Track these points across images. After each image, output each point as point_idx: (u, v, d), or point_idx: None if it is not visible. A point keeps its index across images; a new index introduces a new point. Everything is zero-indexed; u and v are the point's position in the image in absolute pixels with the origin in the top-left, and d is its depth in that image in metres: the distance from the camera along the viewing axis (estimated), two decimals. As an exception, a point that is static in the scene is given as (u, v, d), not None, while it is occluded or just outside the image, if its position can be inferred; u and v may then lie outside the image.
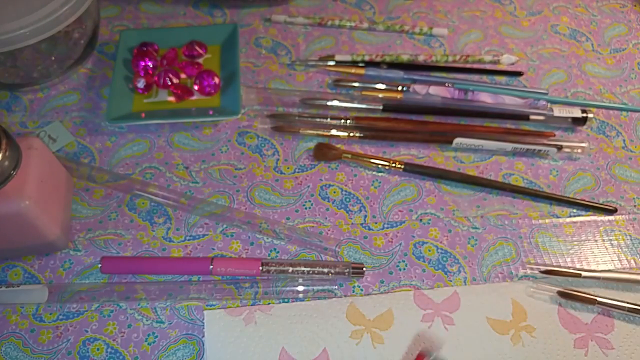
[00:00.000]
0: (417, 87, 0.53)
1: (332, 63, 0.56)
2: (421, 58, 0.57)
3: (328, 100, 0.52)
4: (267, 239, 0.44)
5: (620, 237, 0.46)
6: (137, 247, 0.44)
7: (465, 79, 0.56)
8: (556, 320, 0.41)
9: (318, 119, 0.51)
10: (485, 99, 0.52)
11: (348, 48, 0.58)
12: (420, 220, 0.46)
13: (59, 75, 0.53)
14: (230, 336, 0.39)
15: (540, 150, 0.50)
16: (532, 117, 0.52)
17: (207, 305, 0.41)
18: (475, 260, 0.44)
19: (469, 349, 0.40)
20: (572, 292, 0.41)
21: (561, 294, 0.41)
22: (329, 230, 0.45)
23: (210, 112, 0.50)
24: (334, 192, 0.47)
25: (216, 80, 0.51)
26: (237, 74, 0.52)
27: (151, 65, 0.52)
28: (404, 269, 0.43)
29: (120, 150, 0.49)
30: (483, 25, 0.61)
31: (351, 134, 0.50)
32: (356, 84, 0.54)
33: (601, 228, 0.46)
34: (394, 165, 0.48)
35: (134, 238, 0.44)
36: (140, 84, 0.51)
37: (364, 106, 0.52)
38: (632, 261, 0.45)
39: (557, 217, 0.47)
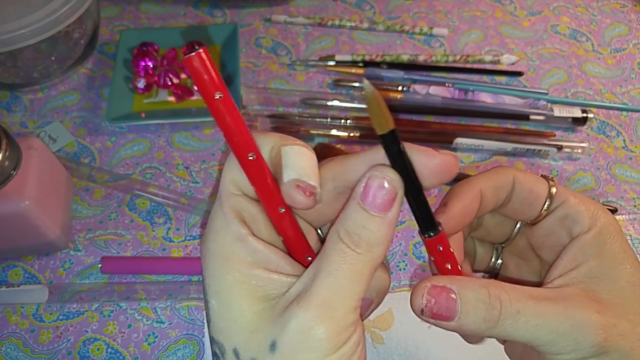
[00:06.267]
0: (417, 87, 0.53)
1: (332, 63, 0.56)
2: (421, 58, 0.57)
3: (328, 100, 0.52)
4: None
5: (621, 237, 0.46)
6: (137, 247, 0.44)
7: (465, 79, 0.56)
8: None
9: (318, 119, 0.51)
10: (486, 99, 0.52)
11: (348, 48, 0.58)
12: (420, 220, 0.46)
13: (59, 75, 0.53)
14: (230, 336, 0.39)
15: (540, 150, 0.50)
16: (532, 117, 0.52)
17: (207, 305, 0.41)
18: (475, 260, 0.44)
19: (469, 349, 0.40)
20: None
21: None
22: (329, 230, 0.45)
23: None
24: (334, 192, 0.47)
25: (216, 80, 0.51)
26: (237, 74, 0.52)
27: (151, 65, 0.52)
28: (404, 269, 0.43)
29: (120, 150, 0.49)
30: (483, 25, 0.61)
31: (351, 134, 0.50)
32: (356, 84, 0.54)
33: (601, 228, 0.46)
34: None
35: (134, 238, 0.44)
36: (140, 84, 0.51)
37: (364, 106, 0.52)
38: (632, 261, 0.45)
39: (557, 217, 0.47)
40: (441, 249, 0.23)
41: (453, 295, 0.22)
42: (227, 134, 0.20)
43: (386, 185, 0.20)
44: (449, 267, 0.24)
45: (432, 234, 0.22)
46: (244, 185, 0.22)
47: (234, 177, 0.22)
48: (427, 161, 0.21)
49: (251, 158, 0.20)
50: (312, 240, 0.24)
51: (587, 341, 0.22)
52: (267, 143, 0.22)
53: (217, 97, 0.19)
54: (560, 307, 0.22)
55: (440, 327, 0.23)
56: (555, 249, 0.26)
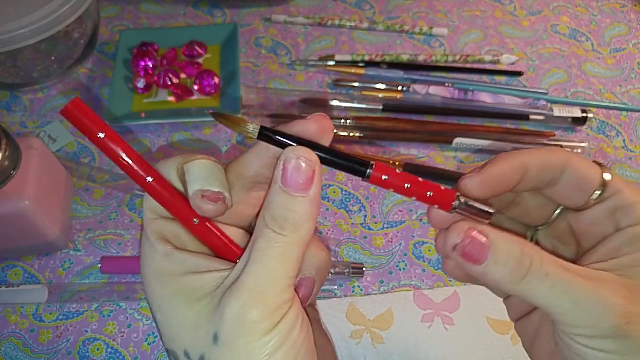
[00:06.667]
0: (417, 87, 0.53)
1: (332, 63, 0.56)
2: (421, 58, 0.57)
3: (328, 100, 0.52)
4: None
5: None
6: (137, 247, 0.44)
7: (465, 79, 0.56)
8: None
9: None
10: (485, 99, 0.52)
11: (348, 48, 0.58)
12: (421, 220, 0.46)
13: (59, 75, 0.53)
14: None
15: (540, 150, 0.50)
16: (532, 117, 0.52)
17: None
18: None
19: (469, 349, 0.40)
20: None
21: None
22: (329, 230, 0.45)
23: (211, 112, 0.50)
24: (334, 192, 0.47)
25: (216, 80, 0.51)
26: (237, 74, 0.52)
27: (151, 65, 0.52)
28: (404, 269, 0.43)
29: (120, 150, 0.49)
30: (483, 25, 0.61)
31: (351, 134, 0.50)
32: (356, 84, 0.54)
33: (601, 228, 0.46)
34: (394, 165, 0.48)
35: (134, 238, 0.44)
36: (140, 84, 0.51)
37: (364, 106, 0.52)
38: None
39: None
40: (387, 177, 0.23)
41: (488, 241, 0.22)
42: (120, 166, 0.21)
43: (303, 164, 0.21)
44: (408, 186, 0.24)
45: (369, 170, 0.22)
46: (161, 209, 0.23)
47: (151, 204, 0.23)
48: (307, 129, 0.22)
49: (150, 181, 0.22)
50: (245, 241, 0.25)
51: (607, 321, 0.21)
52: (170, 166, 0.23)
53: (101, 136, 0.21)
54: (588, 283, 0.22)
55: (465, 270, 0.23)
56: (598, 238, 0.25)
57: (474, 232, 0.22)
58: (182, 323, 0.22)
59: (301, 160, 0.21)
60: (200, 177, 0.22)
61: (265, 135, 0.22)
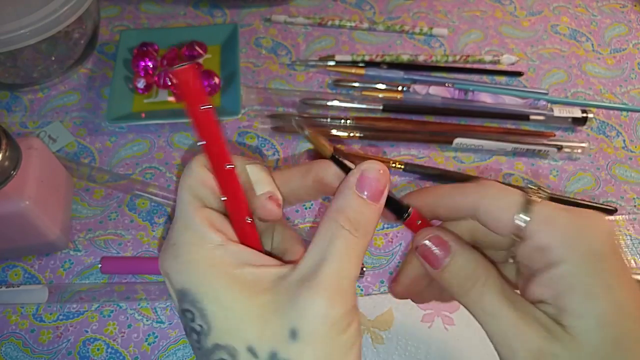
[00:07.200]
0: (417, 87, 0.53)
1: (332, 63, 0.56)
2: (421, 58, 0.57)
3: (328, 100, 0.52)
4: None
5: (620, 237, 0.46)
6: (137, 247, 0.44)
7: (465, 79, 0.56)
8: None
9: (318, 119, 0.51)
10: (485, 99, 0.52)
11: (348, 48, 0.58)
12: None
13: (59, 75, 0.53)
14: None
15: (540, 151, 0.50)
16: (532, 117, 0.52)
17: (207, 305, 0.41)
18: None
19: (469, 349, 0.40)
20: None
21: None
22: (329, 230, 0.45)
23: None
24: (334, 192, 0.47)
25: (216, 80, 0.51)
26: (237, 74, 0.52)
27: (151, 65, 0.52)
28: (404, 269, 0.43)
29: (120, 151, 0.49)
30: (483, 25, 0.61)
31: (351, 134, 0.50)
32: (356, 84, 0.54)
33: (601, 228, 0.46)
34: (394, 165, 0.48)
35: (134, 238, 0.44)
36: (140, 84, 0.51)
37: (364, 106, 0.52)
38: (632, 261, 0.45)
39: (557, 217, 0.47)
40: (420, 222, 0.27)
41: (447, 250, 0.25)
42: (208, 144, 0.22)
43: (380, 177, 0.23)
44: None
45: (406, 215, 0.26)
46: (207, 198, 0.24)
47: (196, 191, 0.23)
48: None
49: (229, 168, 0.22)
50: None
51: (517, 357, 0.23)
52: (234, 161, 0.24)
53: (203, 109, 0.21)
54: (514, 317, 0.23)
55: (426, 269, 0.26)
56: (536, 272, 0.24)
57: (439, 238, 0.25)
58: (245, 315, 0.21)
59: (380, 172, 0.23)
60: (266, 180, 0.24)
61: (336, 158, 0.24)
